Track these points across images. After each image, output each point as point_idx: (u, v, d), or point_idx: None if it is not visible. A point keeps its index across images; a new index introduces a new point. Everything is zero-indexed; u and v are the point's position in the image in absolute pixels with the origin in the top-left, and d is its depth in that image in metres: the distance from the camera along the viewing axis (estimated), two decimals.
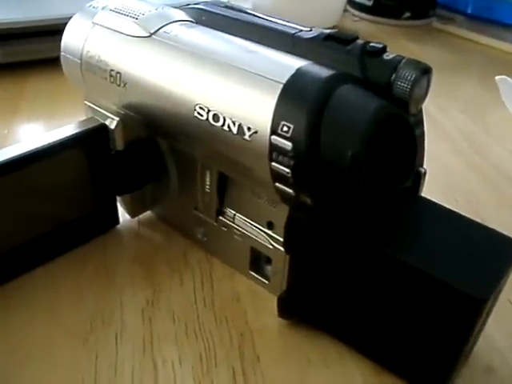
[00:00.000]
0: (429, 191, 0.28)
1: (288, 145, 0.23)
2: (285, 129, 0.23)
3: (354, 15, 0.77)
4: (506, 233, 0.25)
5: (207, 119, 0.25)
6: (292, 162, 0.23)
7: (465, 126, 0.51)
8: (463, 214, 0.26)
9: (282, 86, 0.23)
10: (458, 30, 0.73)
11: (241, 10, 0.30)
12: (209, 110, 0.25)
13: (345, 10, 0.73)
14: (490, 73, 0.55)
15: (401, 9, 0.74)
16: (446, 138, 0.49)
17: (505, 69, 0.59)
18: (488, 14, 0.74)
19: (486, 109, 0.54)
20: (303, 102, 0.22)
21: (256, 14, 0.30)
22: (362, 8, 0.77)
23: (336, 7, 0.68)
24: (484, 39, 0.70)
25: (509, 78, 0.51)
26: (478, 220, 0.25)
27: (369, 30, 0.74)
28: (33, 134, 0.45)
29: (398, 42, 0.69)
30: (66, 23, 0.32)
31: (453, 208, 0.26)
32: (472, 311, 0.22)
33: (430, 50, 0.68)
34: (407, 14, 0.74)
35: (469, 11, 0.76)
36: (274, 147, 0.23)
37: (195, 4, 0.31)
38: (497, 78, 0.52)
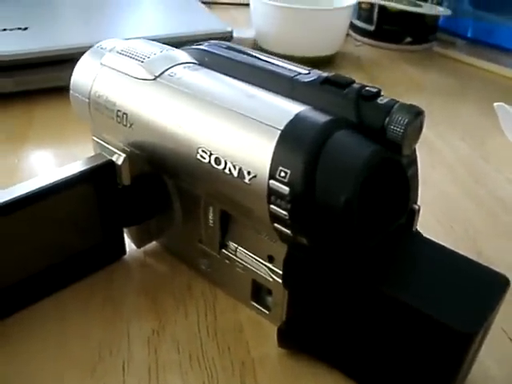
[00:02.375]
0: (425, 219, 0.29)
1: (285, 189, 0.24)
2: (282, 174, 0.24)
3: (356, 40, 0.79)
4: (502, 261, 0.25)
5: (209, 162, 0.27)
6: (289, 206, 0.24)
7: (464, 153, 0.51)
8: (460, 242, 0.26)
9: (279, 132, 0.24)
10: (459, 55, 0.74)
11: (242, 52, 0.31)
12: (211, 154, 0.26)
13: (347, 35, 0.74)
14: (490, 98, 0.56)
15: (402, 34, 0.75)
16: (445, 165, 0.49)
17: (504, 94, 0.60)
18: (488, 37, 0.75)
19: (485, 136, 0.55)
20: (300, 149, 0.24)
21: (257, 54, 0.31)
22: (363, 33, 0.78)
23: (339, 33, 0.69)
24: (484, 64, 0.70)
25: (506, 105, 0.52)
26: (475, 249, 0.26)
27: (370, 54, 0.75)
28: (41, 163, 0.46)
29: (399, 67, 0.70)
30: (74, 53, 0.34)
31: (449, 236, 0.27)
32: (460, 346, 0.23)
33: (430, 74, 0.69)
34: (408, 39, 0.75)
35: (469, 35, 0.77)
36: (272, 191, 0.24)
37: (198, 45, 0.32)
38: (495, 104, 0.53)
